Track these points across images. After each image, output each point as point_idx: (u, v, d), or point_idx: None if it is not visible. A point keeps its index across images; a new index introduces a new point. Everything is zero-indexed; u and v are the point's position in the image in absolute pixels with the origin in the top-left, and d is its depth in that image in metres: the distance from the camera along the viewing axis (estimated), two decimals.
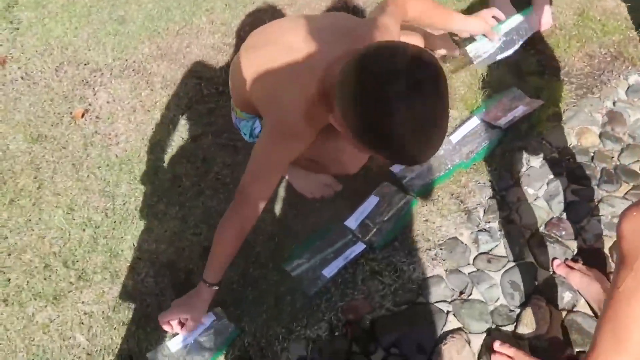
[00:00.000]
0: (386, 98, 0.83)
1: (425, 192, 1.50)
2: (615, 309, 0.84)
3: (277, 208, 1.50)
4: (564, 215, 1.45)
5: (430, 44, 1.62)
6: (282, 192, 1.53)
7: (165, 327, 1.19)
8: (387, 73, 0.83)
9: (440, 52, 1.68)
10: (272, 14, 2.03)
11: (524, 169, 1.56)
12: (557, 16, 2.02)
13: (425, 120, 0.86)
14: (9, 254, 1.42)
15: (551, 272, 1.33)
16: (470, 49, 1.52)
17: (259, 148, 1.14)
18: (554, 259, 1.34)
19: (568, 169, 1.56)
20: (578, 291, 1.28)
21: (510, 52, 1.55)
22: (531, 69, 1.83)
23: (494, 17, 1.48)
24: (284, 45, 1.11)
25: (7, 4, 2.11)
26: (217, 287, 1.18)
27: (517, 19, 1.56)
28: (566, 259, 1.34)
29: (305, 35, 1.11)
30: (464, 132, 1.64)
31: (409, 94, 0.83)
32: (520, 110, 1.59)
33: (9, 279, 1.38)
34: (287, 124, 1.09)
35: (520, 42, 1.56)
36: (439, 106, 0.87)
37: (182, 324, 1.19)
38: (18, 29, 2.03)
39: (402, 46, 0.88)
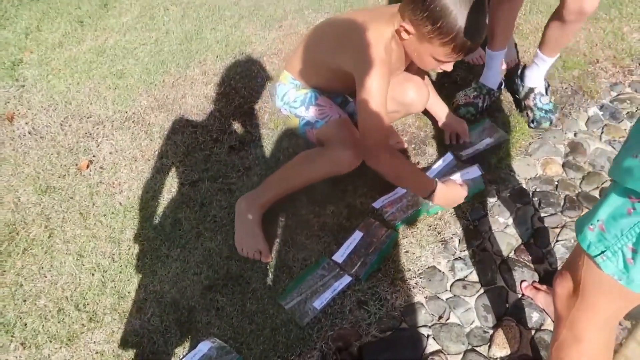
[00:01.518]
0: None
1: (406, 225, 1.65)
2: (557, 356, 0.98)
3: (271, 246, 1.63)
4: (532, 241, 1.60)
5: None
6: (276, 230, 1.66)
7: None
8: None
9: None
10: (260, 64, 2.20)
11: (494, 199, 1.71)
12: (521, 54, 2.20)
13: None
14: (25, 300, 1.55)
15: (519, 295, 1.46)
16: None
17: (367, 86, 1.35)
18: (522, 281, 1.48)
19: (534, 197, 1.71)
20: (544, 310, 1.41)
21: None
22: (499, 105, 2.00)
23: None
24: (353, 19, 1.42)
25: (12, 62, 2.27)
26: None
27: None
28: (534, 282, 1.48)
29: (363, 13, 1.48)
30: (440, 167, 1.79)
31: None
32: (484, 144, 1.75)
33: (26, 324, 1.50)
34: (378, 52, 1.34)
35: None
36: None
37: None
38: (24, 85, 2.19)
39: None
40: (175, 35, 2.34)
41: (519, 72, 1.98)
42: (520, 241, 1.60)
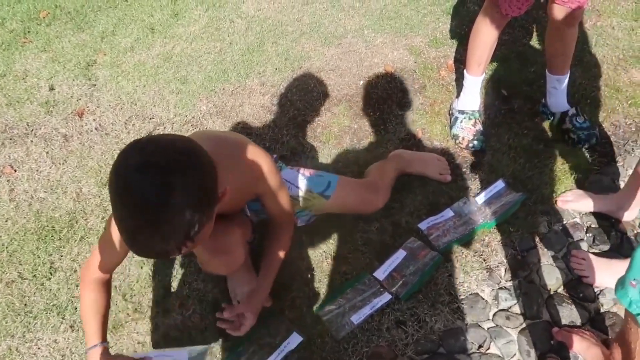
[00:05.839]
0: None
1: (450, 249, 1.62)
2: None
3: (313, 256, 1.65)
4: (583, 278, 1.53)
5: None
6: (318, 242, 1.68)
7: None
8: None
9: None
10: (316, 79, 2.24)
11: (545, 231, 1.66)
12: (584, 87, 2.14)
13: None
14: (77, 286, 1.62)
15: (551, 341, 1.39)
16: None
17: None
18: (553, 327, 1.41)
19: (589, 233, 1.64)
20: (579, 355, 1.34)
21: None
22: (557, 136, 1.94)
23: None
24: None
25: (87, 63, 2.42)
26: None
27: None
28: (567, 326, 1.41)
29: None
30: (490, 194, 1.75)
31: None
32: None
33: (76, 308, 1.57)
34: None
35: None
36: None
37: None
38: (95, 85, 2.33)
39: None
40: (239, 46, 2.43)
41: (542, 106, 1.98)
42: (570, 277, 1.54)
